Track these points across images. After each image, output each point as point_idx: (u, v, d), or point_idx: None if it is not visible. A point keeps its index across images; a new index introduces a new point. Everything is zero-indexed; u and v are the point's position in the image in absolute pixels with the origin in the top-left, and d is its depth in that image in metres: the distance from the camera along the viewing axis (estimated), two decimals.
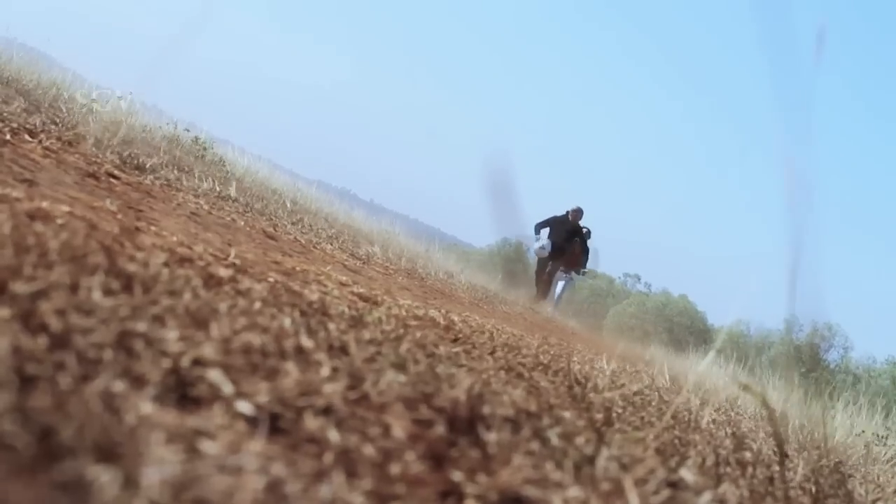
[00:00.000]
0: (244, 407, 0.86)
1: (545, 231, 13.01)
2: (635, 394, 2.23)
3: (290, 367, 1.03)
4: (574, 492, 0.96)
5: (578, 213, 12.99)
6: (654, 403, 2.12)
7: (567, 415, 1.35)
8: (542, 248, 12.84)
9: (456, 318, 2.69)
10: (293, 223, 4.84)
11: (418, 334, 1.67)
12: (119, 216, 1.94)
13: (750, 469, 1.57)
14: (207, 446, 0.75)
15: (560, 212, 13.20)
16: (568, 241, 12.89)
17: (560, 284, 13.35)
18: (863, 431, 4.64)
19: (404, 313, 2.08)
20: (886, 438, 4.58)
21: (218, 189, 4.48)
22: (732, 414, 3.29)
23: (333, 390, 1.00)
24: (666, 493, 1.08)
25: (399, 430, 0.95)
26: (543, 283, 13.22)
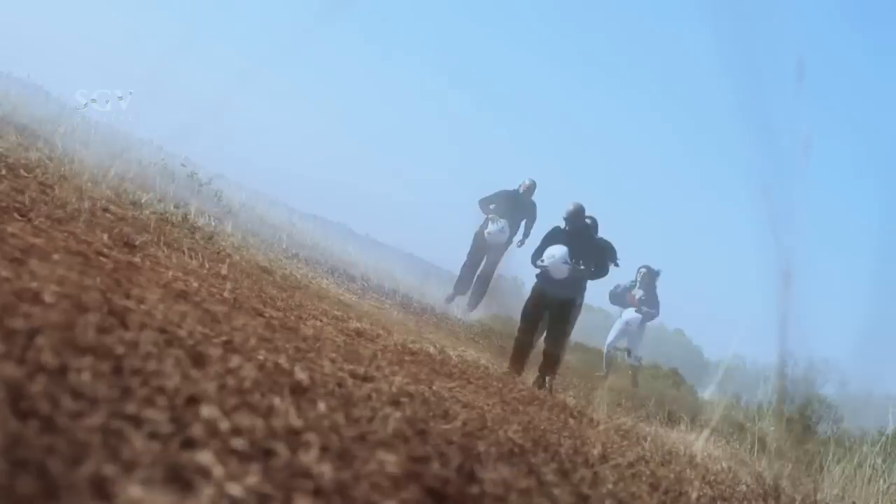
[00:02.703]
0: (234, 489, 0.86)
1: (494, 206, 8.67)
2: (626, 432, 2.20)
3: (281, 448, 1.02)
4: None
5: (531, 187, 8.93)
6: (649, 471, 2.10)
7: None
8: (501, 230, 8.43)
9: (451, 353, 2.68)
10: (288, 258, 4.84)
11: (408, 411, 1.66)
12: (108, 295, 1.94)
13: None
14: None
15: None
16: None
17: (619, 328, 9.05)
18: None
19: (399, 349, 2.07)
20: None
21: (207, 266, 4.48)
22: (724, 488, 3.24)
23: (324, 471, 0.99)
24: None
25: None
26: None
